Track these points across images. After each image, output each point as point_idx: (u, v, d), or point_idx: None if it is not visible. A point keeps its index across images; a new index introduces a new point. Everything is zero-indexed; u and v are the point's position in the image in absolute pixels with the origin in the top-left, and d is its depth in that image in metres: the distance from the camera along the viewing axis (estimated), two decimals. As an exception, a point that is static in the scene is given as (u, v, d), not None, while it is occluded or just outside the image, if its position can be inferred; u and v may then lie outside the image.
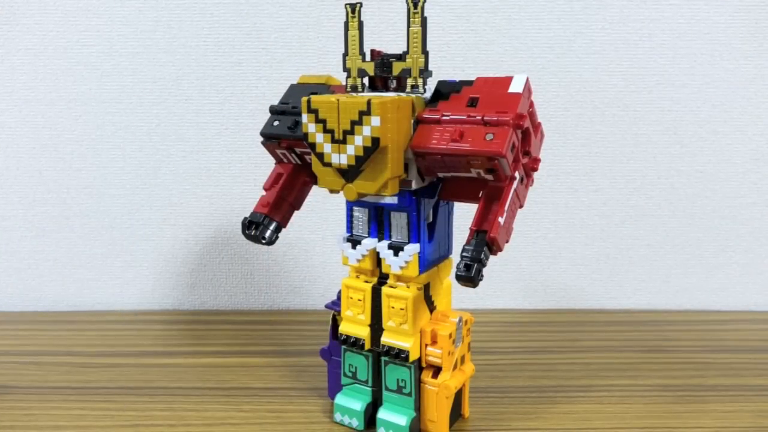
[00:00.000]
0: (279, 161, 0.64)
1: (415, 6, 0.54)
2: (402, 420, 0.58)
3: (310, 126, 0.53)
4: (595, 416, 0.64)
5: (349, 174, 0.53)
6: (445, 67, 0.91)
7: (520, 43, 0.91)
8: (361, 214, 0.59)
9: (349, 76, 0.58)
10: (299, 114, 0.58)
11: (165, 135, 0.94)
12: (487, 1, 0.90)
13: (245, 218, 0.63)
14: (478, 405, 0.66)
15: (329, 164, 0.53)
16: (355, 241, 0.59)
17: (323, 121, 0.52)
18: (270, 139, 0.61)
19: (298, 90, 0.63)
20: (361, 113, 0.50)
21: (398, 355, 0.57)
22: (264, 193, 0.64)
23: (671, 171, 0.94)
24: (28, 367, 0.76)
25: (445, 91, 0.56)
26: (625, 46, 0.91)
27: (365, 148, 0.51)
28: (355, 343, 0.59)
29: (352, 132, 0.51)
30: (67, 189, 0.96)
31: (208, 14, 0.91)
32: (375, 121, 0.50)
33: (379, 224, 0.58)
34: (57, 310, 0.97)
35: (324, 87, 0.62)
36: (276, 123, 0.61)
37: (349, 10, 0.57)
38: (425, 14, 0.54)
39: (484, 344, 0.80)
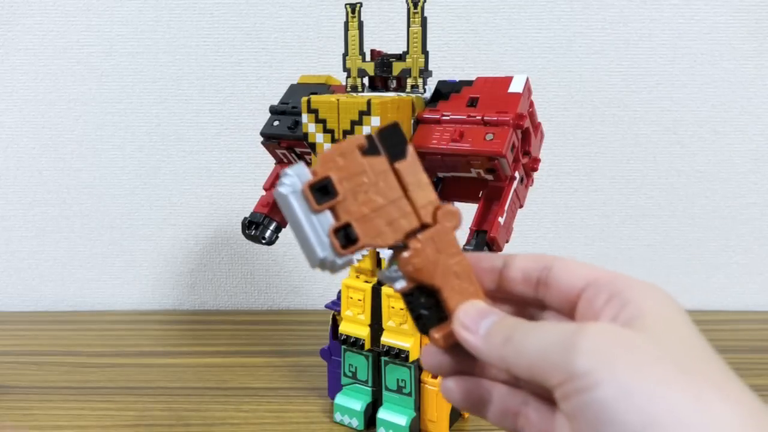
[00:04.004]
0: (279, 161, 0.64)
1: (415, 6, 0.54)
2: (402, 420, 0.58)
3: (310, 126, 0.53)
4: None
5: None
6: (445, 67, 0.91)
7: (520, 43, 0.91)
8: None
9: (348, 76, 0.58)
10: (299, 114, 0.58)
11: (165, 135, 0.94)
12: (487, 1, 0.90)
13: (245, 218, 0.63)
14: (478, 405, 0.66)
15: None
16: None
17: (323, 121, 0.52)
18: (270, 139, 0.61)
19: (298, 90, 0.63)
20: (361, 113, 0.50)
21: (398, 355, 0.57)
22: (264, 193, 0.64)
23: (671, 171, 0.94)
24: (28, 367, 0.76)
25: (445, 91, 0.56)
26: (625, 46, 0.91)
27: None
28: (355, 343, 0.59)
29: (352, 132, 0.51)
30: (67, 189, 0.96)
31: (208, 14, 0.91)
32: (375, 121, 0.50)
33: None
34: (57, 310, 0.97)
35: (324, 87, 0.62)
36: (276, 123, 0.61)
37: (349, 10, 0.57)
38: (425, 14, 0.54)
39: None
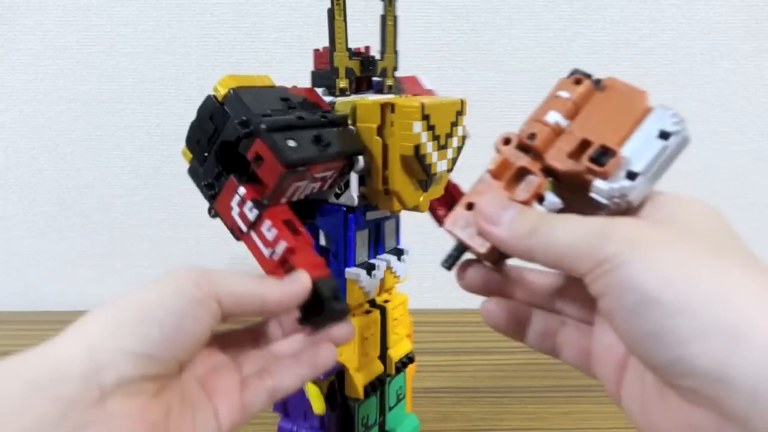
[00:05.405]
0: (273, 204, 0.41)
1: (390, 2, 0.51)
2: (413, 421, 0.56)
3: (423, 135, 0.43)
4: (594, 416, 0.64)
5: (427, 183, 0.47)
6: (445, 67, 0.91)
7: (520, 43, 0.91)
8: (361, 239, 0.49)
9: (336, 76, 0.49)
10: (318, 125, 0.43)
11: (165, 135, 0.94)
12: (487, 1, 0.90)
13: (342, 306, 0.40)
14: (478, 405, 0.66)
15: (434, 174, 0.45)
16: (369, 267, 0.48)
17: (432, 128, 0.44)
18: (298, 167, 0.39)
19: (259, 95, 0.43)
20: (458, 113, 0.47)
21: (410, 361, 0.54)
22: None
23: (671, 171, 0.94)
24: (28, 367, 0.76)
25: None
26: (625, 46, 0.91)
27: (458, 149, 0.47)
28: (375, 387, 0.50)
29: (451, 134, 0.47)
30: (67, 189, 0.96)
31: (208, 14, 0.91)
32: (465, 120, 0.47)
33: (374, 241, 0.51)
34: (57, 310, 0.97)
35: (281, 90, 0.46)
36: (292, 143, 0.40)
37: None
38: (396, 13, 0.52)
39: (484, 344, 0.80)
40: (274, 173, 0.39)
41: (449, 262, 0.36)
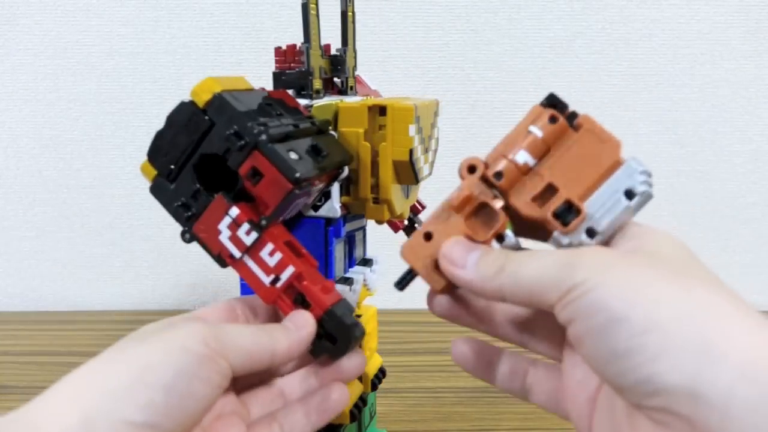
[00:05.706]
0: (272, 225, 0.37)
1: None
2: None
3: (416, 139, 0.41)
4: (595, 416, 0.64)
5: (408, 189, 0.45)
6: (445, 67, 0.91)
7: (520, 43, 0.91)
8: (340, 252, 0.46)
9: (312, 77, 0.45)
10: (315, 132, 0.40)
11: (165, 135, 0.94)
12: (487, 1, 0.90)
13: (362, 330, 0.38)
14: (478, 405, 0.66)
15: (420, 180, 0.44)
16: (347, 281, 0.45)
17: (421, 130, 0.42)
18: (304, 181, 0.35)
19: (242, 99, 0.38)
20: (435, 114, 0.45)
21: (384, 375, 0.51)
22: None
23: (671, 171, 0.94)
24: (28, 367, 0.76)
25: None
26: (625, 46, 0.91)
27: (435, 152, 0.46)
28: (360, 408, 0.46)
29: (431, 136, 0.45)
30: (67, 189, 0.96)
31: (208, 14, 0.91)
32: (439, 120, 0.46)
33: (347, 253, 0.48)
34: (57, 310, 0.97)
35: (259, 92, 0.42)
36: (294, 156, 0.35)
37: None
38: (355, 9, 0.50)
39: (484, 344, 0.80)
40: (279, 191, 0.34)
41: (402, 285, 0.36)
